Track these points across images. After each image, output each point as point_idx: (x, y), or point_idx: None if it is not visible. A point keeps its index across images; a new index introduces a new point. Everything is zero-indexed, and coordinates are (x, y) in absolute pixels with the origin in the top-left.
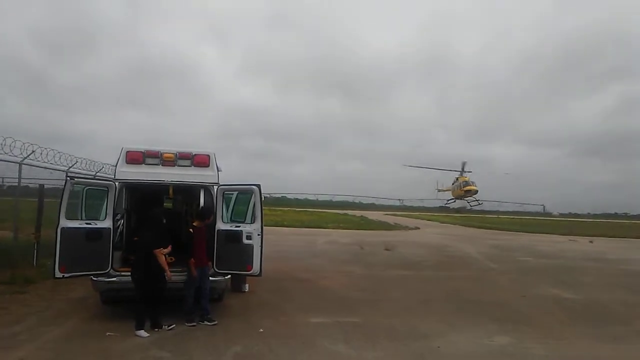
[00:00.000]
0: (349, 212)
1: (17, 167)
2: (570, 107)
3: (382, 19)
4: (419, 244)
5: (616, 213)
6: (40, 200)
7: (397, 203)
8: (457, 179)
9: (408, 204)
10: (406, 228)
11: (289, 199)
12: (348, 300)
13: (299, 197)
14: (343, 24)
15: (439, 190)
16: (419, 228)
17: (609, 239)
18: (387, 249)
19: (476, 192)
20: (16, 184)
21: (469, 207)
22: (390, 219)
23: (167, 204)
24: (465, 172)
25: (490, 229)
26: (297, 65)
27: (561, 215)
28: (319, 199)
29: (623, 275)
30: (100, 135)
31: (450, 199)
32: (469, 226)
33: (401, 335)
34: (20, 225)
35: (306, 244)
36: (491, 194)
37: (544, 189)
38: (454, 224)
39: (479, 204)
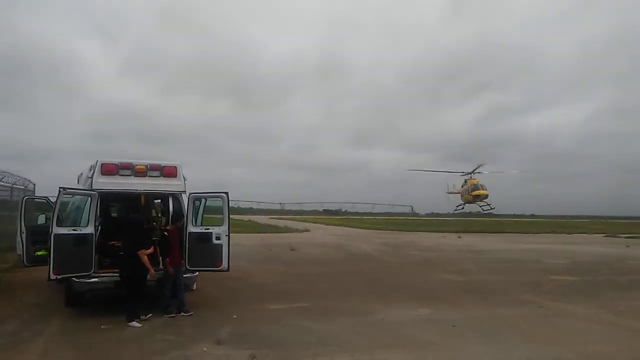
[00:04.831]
0: (234, 216)
1: None
2: (443, 115)
3: (277, 24)
4: (318, 244)
5: (470, 212)
6: None
7: (278, 207)
8: (465, 181)
9: (288, 207)
10: (297, 230)
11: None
12: (288, 291)
13: None
14: (236, 26)
15: (449, 193)
16: (309, 230)
17: (470, 233)
18: (292, 249)
19: (486, 196)
20: None
21: (482, 212)
22: (278, 222)
23: (113, 214)
24: (474, 173)
25: (371, 228)
26: (184, 67)
27: (427, 215)
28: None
29: (492, 262)
30: None
31: (459, 204)
32: (353, 226)
33: (349, 313)
34: None
35: None
36: (365, 196)
37: (412, 191)
38: (339, 225)
39: (492, 208)
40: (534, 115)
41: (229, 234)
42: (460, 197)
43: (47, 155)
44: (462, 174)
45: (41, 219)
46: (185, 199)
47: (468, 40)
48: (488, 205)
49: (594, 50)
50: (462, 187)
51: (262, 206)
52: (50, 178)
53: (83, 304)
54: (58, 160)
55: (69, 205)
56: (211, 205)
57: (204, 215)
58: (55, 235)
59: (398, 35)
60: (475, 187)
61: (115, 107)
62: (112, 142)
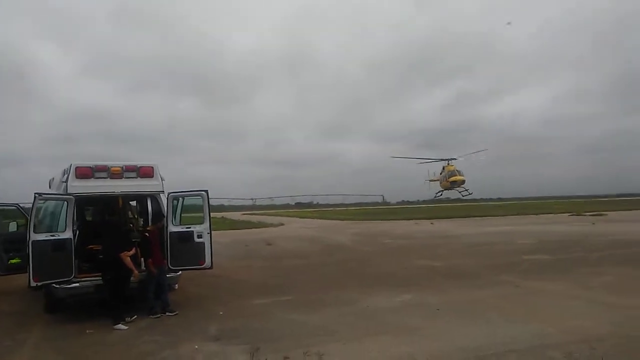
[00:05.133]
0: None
1: None
2: (412, 104)
3: (242, 17)
4: (293, 238)
5: (440, 198)
6: None
7: (249, 202)
8: (443, 168)
9: (260, 202)
10: (272, 225)
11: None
12: (268, 286)
13: None
14: (199, 20)
15: (430, 181)
16: (283, 224)
17: (442, 219)
18: (268, 244)
19: (463, 182)
20: None
21: (457, 197)
22: (251, 218)
23: (88, 217)
24: (450, 159)
25: (344, 219)
26: (148, 65)
27: (397, 203)
28: None
29: (464, 246)
30: None
31: (439, 191)
32: (326, 218)
33: (333, 303)
34: None
35: None
36: (337, 188)
37: (383, 181)
38: (312, 218)
39: (470, 193)
40: (499, 101)
41: (210, 231)
42: (439, 184)
43: (8, 162)
44: (444, 160)
45: (12, 227)
46: (164, 198)
47: (434, 28)
48: (466, 190)
49: (554, 35)
50: (440, 174)
51: (234, 202)
52: (12, 185)
53: (63, 309)
54: (19, 166)
55: (43, 211)
56: (187, 204)
57: (182, 214)
58: (33, 242)
59: (364, 25)
60: (452, 173)
61: (78, 109)
62: (77, 145)
